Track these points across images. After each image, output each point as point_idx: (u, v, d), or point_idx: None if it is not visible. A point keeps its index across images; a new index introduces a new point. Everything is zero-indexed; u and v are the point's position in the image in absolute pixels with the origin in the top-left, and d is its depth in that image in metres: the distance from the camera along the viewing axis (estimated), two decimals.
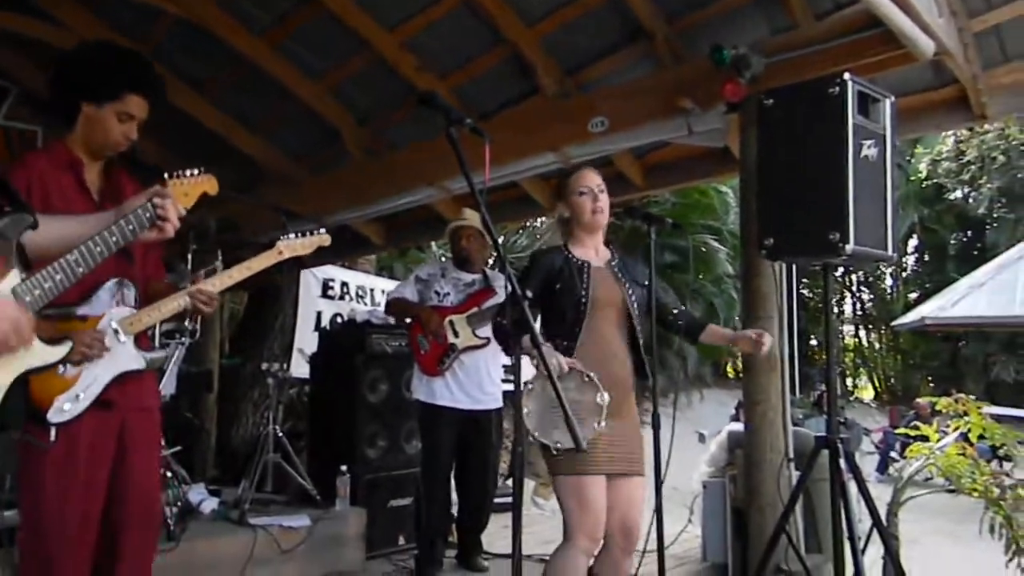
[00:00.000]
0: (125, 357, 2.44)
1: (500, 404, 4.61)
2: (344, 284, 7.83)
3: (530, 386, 2.79)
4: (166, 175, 2.38)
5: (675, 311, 3.17)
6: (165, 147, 5.45)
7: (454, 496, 4.69)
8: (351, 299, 7.80)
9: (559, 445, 2.74)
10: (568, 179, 3.10)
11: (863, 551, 2.91)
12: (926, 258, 24.84)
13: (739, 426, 4.47)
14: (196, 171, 2.43)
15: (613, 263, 3.09)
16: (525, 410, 2.75)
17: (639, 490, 2.95)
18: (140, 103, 2.47)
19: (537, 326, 2.90)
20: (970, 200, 22.12)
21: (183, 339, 4.76)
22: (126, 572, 2.43)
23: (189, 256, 4.75)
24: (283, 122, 5.85)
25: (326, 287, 7.50)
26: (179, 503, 4.12)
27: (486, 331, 4.46)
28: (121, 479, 2.44)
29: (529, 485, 9.72)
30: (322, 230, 2.90)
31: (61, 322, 2.31)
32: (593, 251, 3.08)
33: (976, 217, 21.86)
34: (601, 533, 2.78)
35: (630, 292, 3.01)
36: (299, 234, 2.85)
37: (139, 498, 2.47)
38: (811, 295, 20.95)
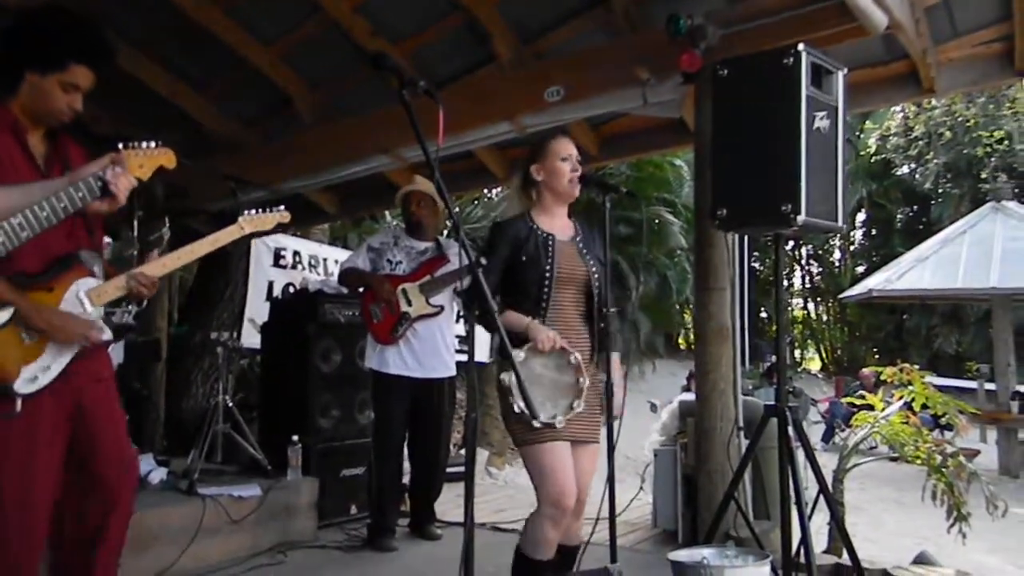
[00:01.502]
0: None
1: (453, 372, 4.62)
2: (296, 253, 7.71)
3: (522, 355, 2.78)
4: (121, 145, 2.31)
5: (606, 311, 3.11)
6: (109, 110, 5.29)
7: (407, 465, 4.69)
8: (303, 268, 7.70)
9: (529, 411, 2.70)
10: (546, 142, 3.06)
11: (810, 517, 2.96)
12: (873, 232, 25.27)
13: (690, 396, 4.54)
14: (153, 143, 2.37)
15: (577, 238, 3.06)
16: (505, 379, 2.76)
17: (593, 458, 2.98)
18: (86, 73, 2.37)
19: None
20: (917, 175, 22.51)
21: (129, 307, 4.66)
22: (106, 555, 2.44)
23: (135, 223, 4.64)
24: (234, 87, 5.72)
25: (278, 256, 7.38)
26: None
27: (439, 299, 4.45)
28: (89, 454, 2.39)
29: (483, 455, 9.78)
30: (282, 207, 2.86)
31: (30, 291, 2.26)
32: (558, 223, 3.06)
33: (922, 192, 22.26)
34: (570, 500, 2.77)
35: (593, 270, 3.00)
36: (259, 209, 2.80)
37: (116, 473, 2.43)
38: (761, 268, 21.24)
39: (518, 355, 2.75)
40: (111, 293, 2.42)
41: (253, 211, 2.78)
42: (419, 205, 4.56)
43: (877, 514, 7.96)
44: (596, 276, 2.99)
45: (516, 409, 2.76)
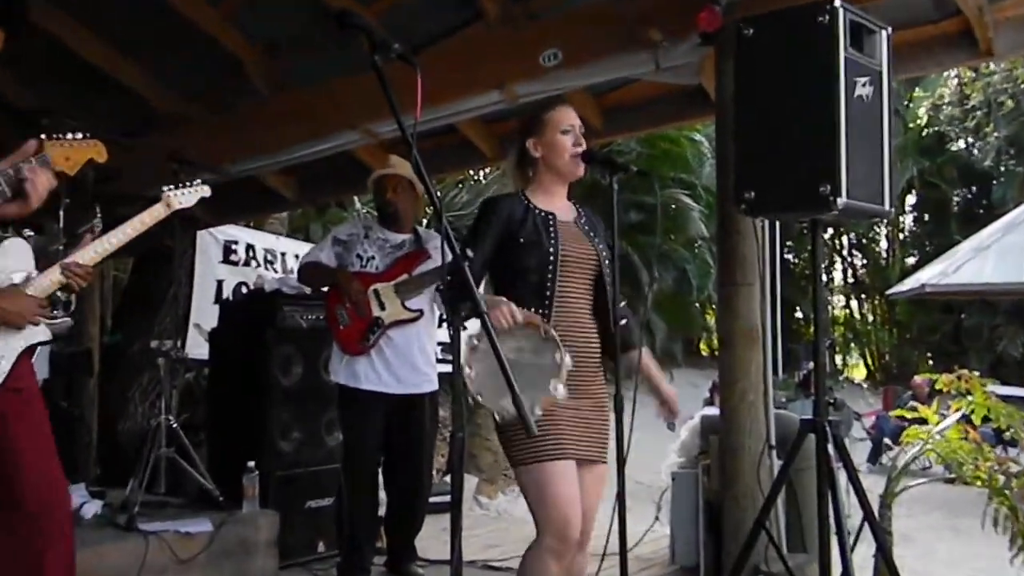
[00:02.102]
0: (34, 328, 2.42)
1: (435, 387, 4.61)
2: (250, 247, 7.73)
3: (476, 343, 2.76)
4: (43, 136, 2.32)
5: (620, 304, 3.13)
6: (28, 82, 5.29)
7: (382, 495, 4.70)
8: (258, 265, 7.72)
9: (506, 414, 2.70)
10: (544, 112, 3.07)
11: (852, 549, 2.98)
12: (925, 217, 25.41)
13: (714, 410, 4.55)
14: (81, 134, 2.38)
15: (581, 220, 3.09)
16: (468, 371, 2.70)
17: (601, 481, 2.99)
18: None
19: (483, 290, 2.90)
20: (975, 151, 22.62)
21: (55, 312, 4.65)
22: None
23: (61, 213, 4.64)
24: (175, 53, 5.71)
25: (228, 251, 7.40)
26: None
27: (418, 302, 4.45)
28: (10, 479, 2.39)
29: (471, 481, 9.80)
30: (198, 182, 2.91)
31: None
32: (558, 204, 3.07)
33: (981, 170, 22.38)
34: (575, 531, 2.77)
35: (604, 254, 3.01)
36: (182, 185, 2.84)
37: (38, 500, 2.43)
38: (796, 260, 21.33)
39: (475, 341, 2.71)
40: (47, 287, 2.44)
41: (176, 187, 2.82)
42: (396, 191, 4.55)
43: (929, 543, 8.00)
44: (607, 262, 3.00)
45: (497, 414, 2.73)
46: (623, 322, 2.99)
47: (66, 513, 2.56)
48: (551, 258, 2.91)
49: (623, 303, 3.07)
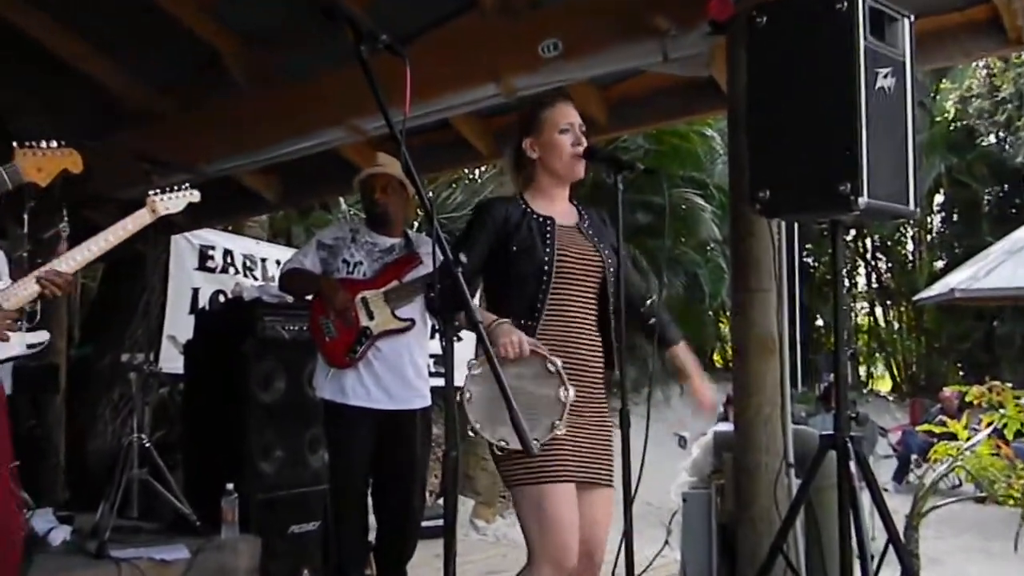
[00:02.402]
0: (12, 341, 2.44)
1: (428, 403, 4.61)
2: (227, 253, 7.73)
3: (476, 367, 2.79)
4: (16, 144, 2.33)
5: (648, 302, 3.19)
6: None
7: (371, 519, 4.70)
8: (236, 271, 7.72)
9: (504, 443, 2.74)
10: (540, 110, 3.08)
11: (876, 574, 2.98)
12: (954, 217, 25.36)
13: (728, 426, 4.55)
14: (55, 143, 2.39)
15: (584, 224, 3.10)
16: (467, 395, 2.75)
17: (608, 505, 2.99)
18: None
19: (478, 301, 2.91)
20: (1007, 147, 22.61)
21: (19, 324, 4.65)
22: None
23: (25, 217, 4.64)
24: (147, 44, 5.72)
25: (204, 256, 7.40)
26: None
27: (409, 310, 4.45)
28: None
29: (467, 504, 9.80)
30: (186, 185, 2.92)
31: None
32: (558, 208, 3.08)
33: (1013, 167, 22.34)
34: (572, 558, 2.79)
35: (609, 259, 3.02)
36: (169, 188, 2.85)
37: None
38: (816, 265, 21.33)
39: (475, 367, 2.77)
40: (24, 298, 2.45)
41: (161, 191, 2.83)
42: (384, 192, 4.55)
43: (959, 567, 7.99)
44: (611, 269, 3.01)
45: (495, 445, 2.77)
46: (652, 321, 3.05)
47: (14, 559, 2.56)
48: (545, 267, 2.92)
49: (650, 300, 3.13)
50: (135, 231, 2.71)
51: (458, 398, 2.79)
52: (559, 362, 2.80)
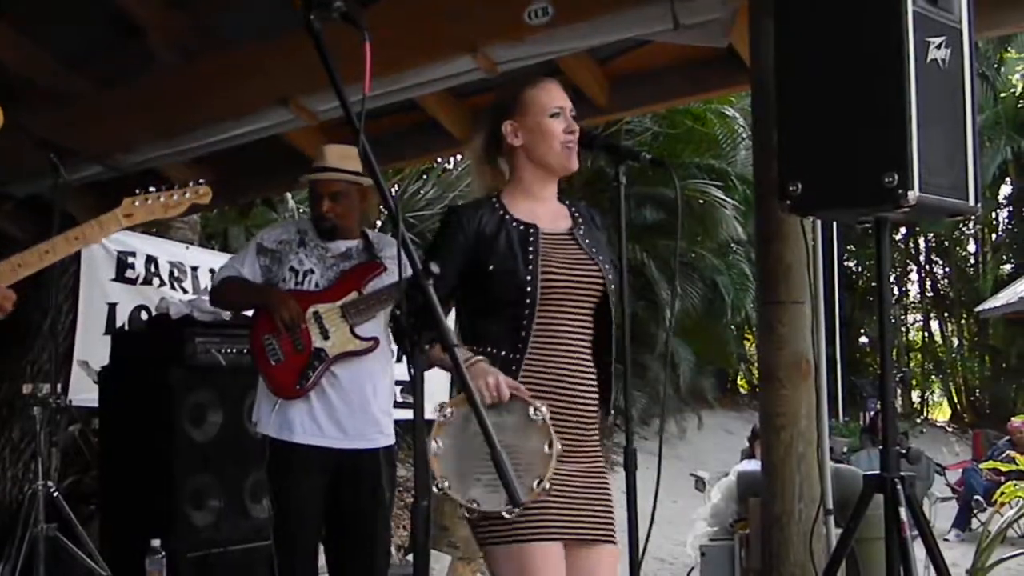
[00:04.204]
0: None
1: (392, 440, 4.61)
2: (151, 260, 7.70)
3: (447, 411, 2.78)
4: None
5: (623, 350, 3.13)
6: None
7: None
8: (161, 283, 7.68)
9: (476, 506, 2.73)
10: (524, 89, 3.05)
11: None
12: None
13: (754, 465, 4.57)
14: None
15: (577, 230, 3.07)
16: (434, 447, 2.74)
17: (611, 564, 2.98)
18: None
19: (451, 321, 2.90)
20: None
21: None
22: None
23: None
24: (53, 11, 5.71)
25: (122, 265, 7.36)
26: None
27: (371, 327, 4.44)
28: None
29: (442, 560, 9.84)
30: (201, 181, 2.86)
31: None
32: (544, 209, 3.06)
33: None
34: None
35: (610, 276, 3.00)
36: (158, 189, 2.80)
37: None
38: (858, 270, 21.42)
39: (446, 413, 2.76)
40: None
41: (152, 189, 2.78)
42: (334, 200, 4.48)
43: None
44: (612, 284, 3.00)
45: (464, 506, 2.75)
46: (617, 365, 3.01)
47: None
48: (528, 288, 2.88)
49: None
50: (93, 242, 2.66)
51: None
52: (545, 410, 2.77)
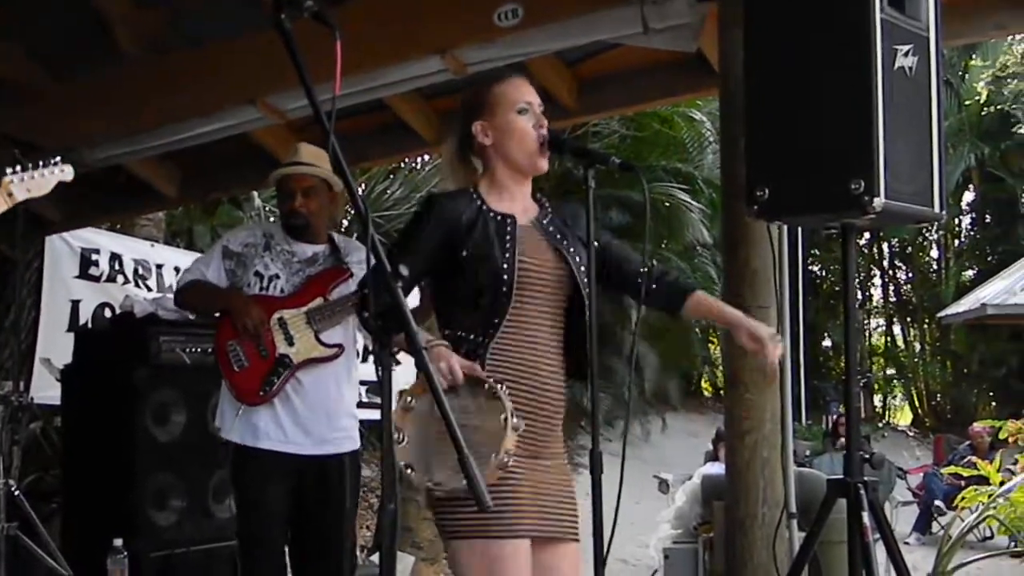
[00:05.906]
0: None
1: (357, 445, 4.59)
2: (115, 258, 7.66)
3: (411, 400, 2.77)
4: None
5: (642, 272, 3.12)
6: None
7: None
8: (126, 280, 7.65)
9: (438, 486, 2.71)
10: (491, 86, 3.07)
11: None
12: (987, 219, 25.76)
13: (718, 468, 4.59)
14: None
15: (545, 221, 3.08)
16: (398, 435, 2.73)
17: (574, 563, 2.99)
18: None
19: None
20: None
21: None
22: None
23: None
24: (19, 3, 5.67)
25: (87, 262, 7.33)
26: None
27: (336, 334, 4.42)
28: None
29: (406, 561, 9.84)
30: (58, 159, 2.85)
31: None
32: (519, 206, 3.07)
33: None
34: None
35: (578, 261, 3.01)
36: (31, 166, 2.78)
37: None
38: (823, 275, 21.52)
39: (410, 400, 2.76)
40: None
41: (21, 169, 2.76)
42: (306, 196, 4.47)
43: None
44: (582, 271, 3.00)
45: (431, 489, 2.74)
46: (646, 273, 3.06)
47: None
48: (504, 276, 2.89)
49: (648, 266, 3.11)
50: None
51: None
52: (501, 387, 2.77)
